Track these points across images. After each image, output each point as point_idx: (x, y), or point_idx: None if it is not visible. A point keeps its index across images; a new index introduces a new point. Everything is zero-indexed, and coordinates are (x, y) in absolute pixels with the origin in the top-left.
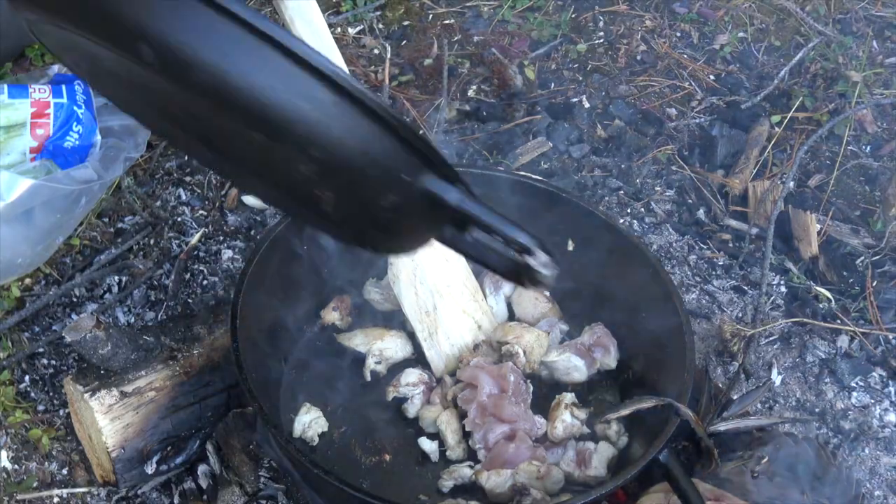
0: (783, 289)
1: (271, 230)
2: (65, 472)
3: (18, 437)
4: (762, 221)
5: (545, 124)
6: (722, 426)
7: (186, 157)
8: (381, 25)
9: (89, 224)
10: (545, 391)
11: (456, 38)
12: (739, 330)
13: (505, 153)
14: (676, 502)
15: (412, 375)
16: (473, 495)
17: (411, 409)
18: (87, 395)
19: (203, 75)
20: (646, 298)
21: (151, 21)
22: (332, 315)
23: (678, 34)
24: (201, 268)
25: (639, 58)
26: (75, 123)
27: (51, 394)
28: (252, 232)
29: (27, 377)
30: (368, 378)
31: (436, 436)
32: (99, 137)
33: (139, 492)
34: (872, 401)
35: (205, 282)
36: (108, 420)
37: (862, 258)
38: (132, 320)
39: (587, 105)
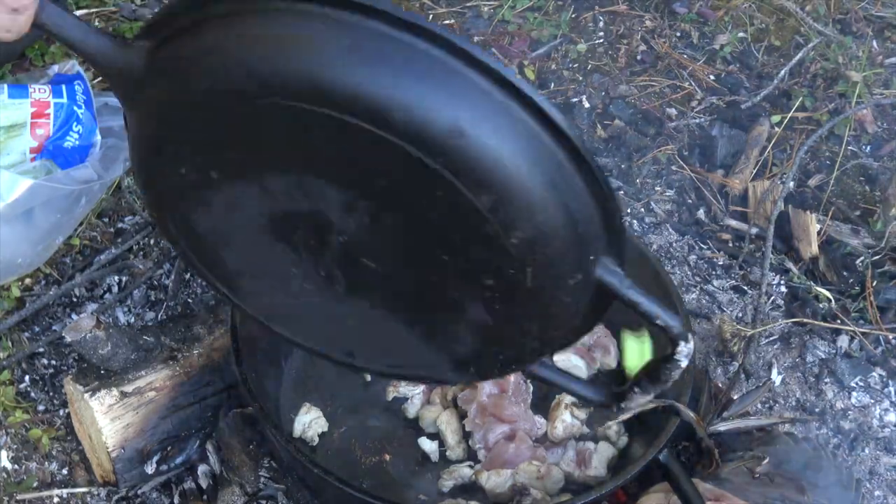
0: (783, 289)
1: None
2: (65, 472)
3: (18, 437)
4: (762, 221)
5: None
6: (722, 426)
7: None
8: None
9: (89, 224)
10: (545, 391)
11: None
12: (739, 330)
13: None
14: (676, 502)
15: None
16: (473, 495)
17: (411, 409)
18: (87, 395)
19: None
20: None
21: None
22: None
23: (678, 34)
24: None
25: (639, 58)
26: (75, 123)
27: (51, 394)
28: None
29: (27, 377)
30: (368, 378)
31: (436, 436)
32: (99, 137)
33: (139, 492)
34: (872, 401)
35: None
36: (108, 420)
37: (862, 258)
38: (132, 320)
39: (587, 105)
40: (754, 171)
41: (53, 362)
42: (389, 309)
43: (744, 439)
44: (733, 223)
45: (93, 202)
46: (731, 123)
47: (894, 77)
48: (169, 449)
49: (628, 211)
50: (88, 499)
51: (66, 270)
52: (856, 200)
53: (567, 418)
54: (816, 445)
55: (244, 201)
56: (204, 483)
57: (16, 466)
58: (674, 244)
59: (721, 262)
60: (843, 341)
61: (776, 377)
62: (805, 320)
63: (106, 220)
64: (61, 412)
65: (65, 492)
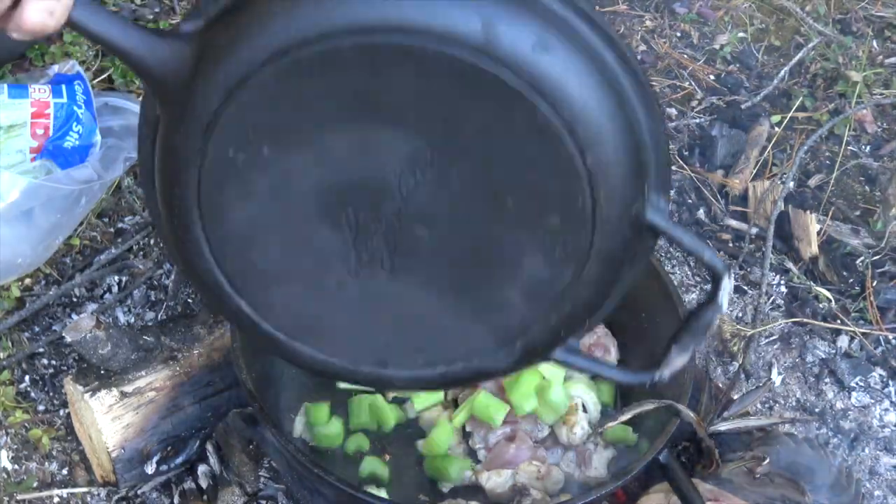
0: (783, 289)
1: None
2: (65, 472)
3: (18, 437)
4: (762, 221)
5: None
6: (722, 426)
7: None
8: None
9: (89, 224)
10: None
11: None
12: (739, 330)
13: None
14: (676, 502)
15: None
16: (473, 495)
17: (411, 410)
18: (87, 395)
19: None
20: (646, 298)
21: None
22: None
23: (678, 34)
24: None
25: (639, 58)
26: (75, 123)
27: (51, 394)
28: None
29: (27, 377)
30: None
31: None
32: (99, 137)
33: (139, 492)
34: (872, 401)
35: None
36: (108, 420)
37: (862, 258)
38: (132, 320)
39: None
40: (754, 171)
41: (53, 362)
42: (437, 285)
43: (744, 439)
44: (733, 223)
45: (93, 202)
46: (731, 123)
47: (894, 77)
48: (169, 449)
49: None
50: (88, 499)
51: (66, 270)
52: (856, 200)
53: (585, 425)
54: (816, 445)
55: (293, 178)
56: (204, 483)
57: (16, 466)
58: (674, 244)
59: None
60: (843, 341)
61: (776, 377)
62: (805, 320)
63: (106, 220)
64: (61, 412)
65: (65, 492)
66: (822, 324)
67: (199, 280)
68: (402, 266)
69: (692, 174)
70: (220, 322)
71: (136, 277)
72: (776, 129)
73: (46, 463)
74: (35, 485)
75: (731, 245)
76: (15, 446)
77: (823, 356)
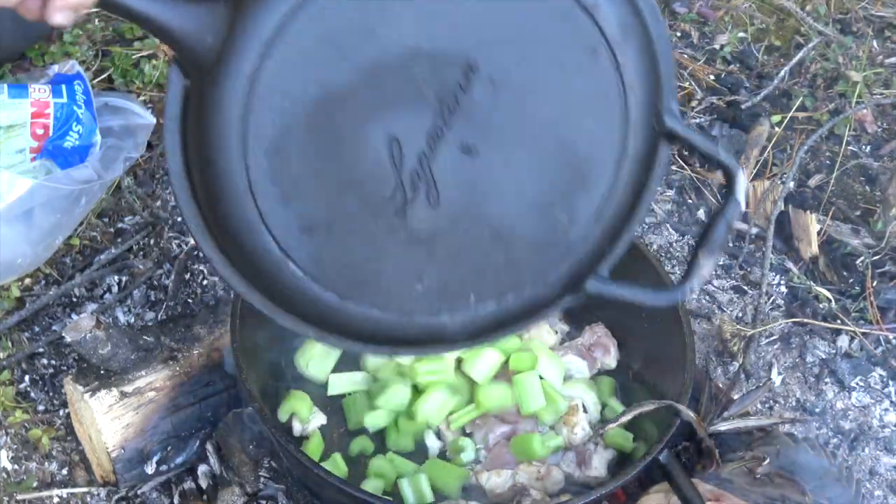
0: (783, 289)
1: None
2: (65, 472)
3: (18, 437)
4: (762, 221)
5: None
6: (722, 426)
7: None
8: None
9: (89, 224)
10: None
11: None
12: (739, 330)
13: None
14: (676, 502)
15: None
16: (473, 495)
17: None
18: (87, 395)
19: None
20: None
21: None
22: None
23: (678, 34)
24: (201, 268)
25: None
26: (75, 123)
27: (51, 394)
28: None
29: (27, 377)
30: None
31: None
32: (99, 137)
33: (139, 492)
34: (872, 401)
35: (205, 282)
36: (108, 420)
37: (862, 258)
38: (132, 320)
39: None
40: (754, 171)
41: (53, 362)
42: (497, 208)
43: (744, 439)
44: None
45: (93, 202)
46: (731, 123)
47: (894, 77)
48: (169, 449)
49: None
50: (88, 499)
51: (66, 270)
52: (856, 200)
53: (586, 426)
54: (816, 445)
55: (349, 106)
56: (204, 483)
57: (16, 466)
58: (674, 244)
59: (721, 262)
60: (843, 341)
61: (776, 377)
62: (805, 320)
63: (106, 220)
64: (61, 412)
65: (65, 492)
66: (822, 324)
67: (242, 248)
68: (458, 193)
69: (692, 174)
70: (220, 322)
71: (136, 277)
72: (776, 128)
73: (46, 463)
74: (35, 485)
75: (731, 245)
76: (15, 446)
77: (823, 356)
